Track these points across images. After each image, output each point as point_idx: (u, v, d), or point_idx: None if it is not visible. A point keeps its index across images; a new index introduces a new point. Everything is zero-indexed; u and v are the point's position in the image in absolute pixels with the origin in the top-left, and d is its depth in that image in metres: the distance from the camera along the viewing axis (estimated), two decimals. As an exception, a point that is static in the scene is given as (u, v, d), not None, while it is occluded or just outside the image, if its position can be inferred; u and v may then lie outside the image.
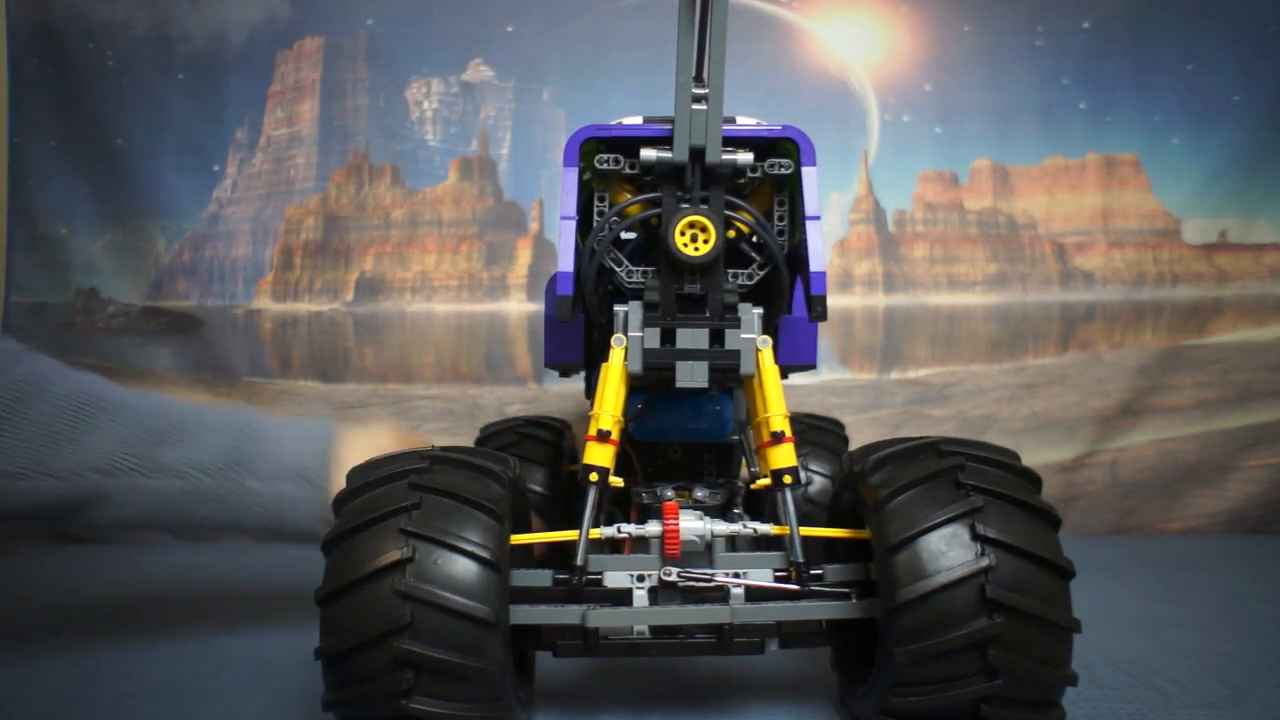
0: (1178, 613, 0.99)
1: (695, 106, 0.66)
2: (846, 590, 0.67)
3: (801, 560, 0.67)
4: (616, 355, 0.69)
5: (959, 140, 1.47)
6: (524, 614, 0.65)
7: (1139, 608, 1.01)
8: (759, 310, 0.71)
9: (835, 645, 0.72)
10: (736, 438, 0.83)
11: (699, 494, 0.78)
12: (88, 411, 0.77)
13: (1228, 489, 1.45)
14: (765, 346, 0.70)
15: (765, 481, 0.70)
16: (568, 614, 0.66)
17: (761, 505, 0.78)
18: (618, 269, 0.72)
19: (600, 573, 0.67)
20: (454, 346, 1.48)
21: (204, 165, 1.48)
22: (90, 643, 0.92)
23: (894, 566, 0.60)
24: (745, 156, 0.69)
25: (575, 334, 0.85)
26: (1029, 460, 0.67)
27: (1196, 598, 1.06)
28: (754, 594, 0.67)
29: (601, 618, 0.65)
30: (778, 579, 0.67)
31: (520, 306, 1.48)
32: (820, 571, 0.67)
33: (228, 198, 1.49)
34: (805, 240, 0.69)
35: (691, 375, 0.69)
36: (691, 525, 0.69)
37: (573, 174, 0.71)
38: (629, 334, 0.69)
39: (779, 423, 0.68)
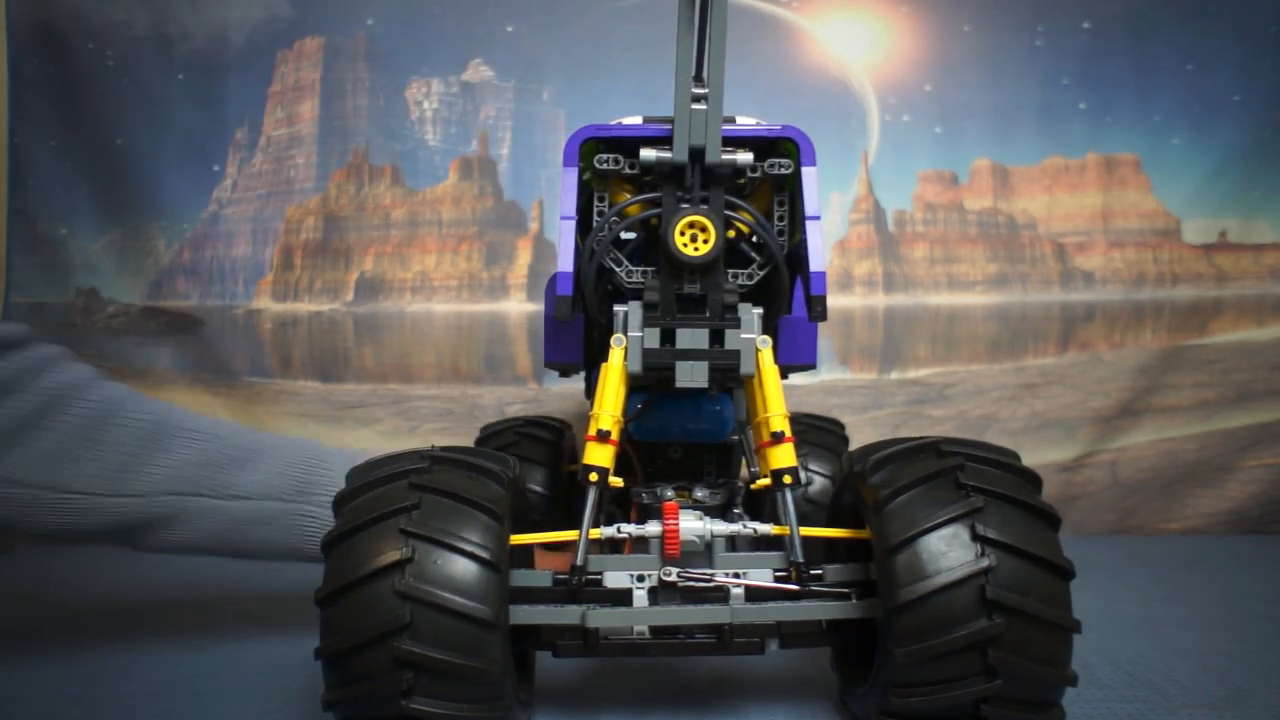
0: (1178, 613, 0.99)
1: (695, 106, 0.66)
2: (846, 590, 0.67)
3: (801, 560, 0.67)
4: (616, 355, 0.69)
5: (959, 140, 1.47)
6: (524, 614, 0.65)
7: (1139, 608, 1.01)
8: (759, 310, 0.71)
9: (835, 645, 0.72)
10: (736, 438, 0.83)
11: (699, 494, 0.78)
12: (165, 435, 0.81)
13: (1228, 489, 1.45)
14: (765, 346, 0.70)
15: (765, 481, 0.70)
16: (568, 614, 0.66)
17: (761, 505, 0.78)
18: (617, 269, 0.71)
19: (600, 573, 0.67)
20: (454, 346, 1.48)
21: (204, 165, 1.48)
22: (90, 643, 0.92)
23: (894, 567, 0.60)
24: (745, 156, 0.69)
25: (575, 334, 0.85)
26: (1029, 460, 0.67)
27: (1196, 598, 1.06)
28: (754, 594, 0.67)
29: (601, 618, 0.65)
30: (778, 579, 0.67)
31: (520, 306, 1.48)
32: (820, 571, 0.67)
33: (228, 198, 1.49)
34: (805, 240, 0.69)
35: (691, 375, 0.69)
36: (691, 525, 0.69)
37: (572, 174, 0.71)
38: (629, 334, 0.69)
39: (779, 423, 0.68)
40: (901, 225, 1.48)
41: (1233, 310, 1.46)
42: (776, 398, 0.69)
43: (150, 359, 1.49)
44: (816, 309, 0.69)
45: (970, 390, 1.47)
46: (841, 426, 1.07)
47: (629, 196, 0.72)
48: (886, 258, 1.47)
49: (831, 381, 1.48)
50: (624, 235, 0.73)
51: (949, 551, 0.60)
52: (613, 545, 0.71)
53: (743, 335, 0.69)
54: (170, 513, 0.80)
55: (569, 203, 0.70)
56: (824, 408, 1.42)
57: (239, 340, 1.49)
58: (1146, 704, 0.73)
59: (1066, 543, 0.62)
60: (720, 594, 0.67)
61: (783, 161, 0.71)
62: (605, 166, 0.71)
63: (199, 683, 0.80)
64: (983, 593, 0.58)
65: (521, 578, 0.67)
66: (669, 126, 0.68)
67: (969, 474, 0.62)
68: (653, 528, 0.68)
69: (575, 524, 0.68)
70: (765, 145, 0.72)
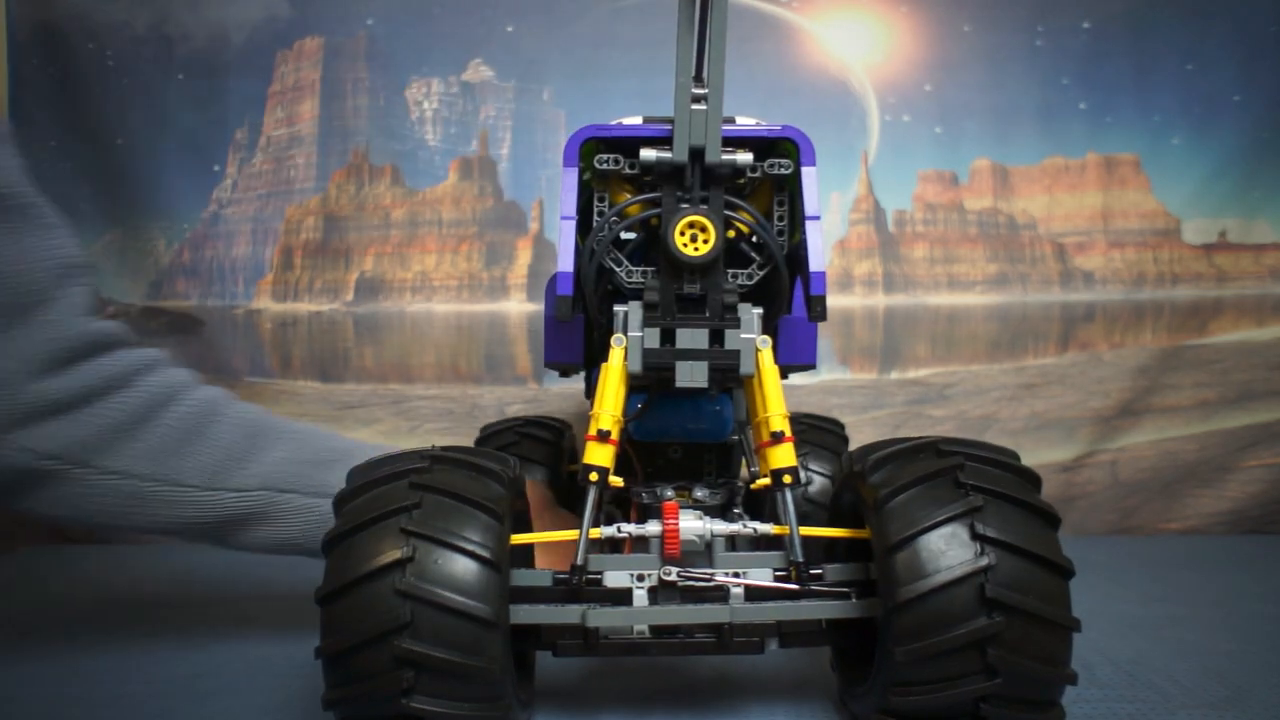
0: (1178, 613, 0.99)
1: (695, 106, 0.66)
2: (846, 590, 0.67)
3: (801, 560, 0.67)
4: (616, 355, 0.69)
5: (959, 140, 1.47)
6: (524, 613, 0.65)
7: (1139, 608, 1.01)
8: (759, 310, 0.71)
9: (835, 645, 0.72)
10: (736, 438, 0.83)
11: (699, 494, 0.78)
12: (263, 434, 0.83)
13: (1228, 489, 1.45)
14: (765, 346, 0.69)
15: (765, 481, 0.70)
16: (568, 614, 0.66)
17: (761, 505, 0.78)
18: (617, 269, 0.72)
19: (600, 572, 0.67)
20: (454, 346, 1.48)
21: (204, 165, 1.48)
22: (90, 643, 0.92)
23: (894, 566, 0.60)
24: (745, 156, 0.69)
25: (575, 334, 0.85)
26: (1029, 460, 0.67)
27: (1196, 598, 1.06)
28: (754, 594, 0.67)
29: (601, 617, 0.65)
30: (777, 579, 0.67)
31: (520, 306, 1.48)
32: (820, 571, 0.67)
33: (228, 198, 1.49)
34: (805, 240, 0.69)
35: (691, 375, 0.69)
36: (691, 525, 0.69)
37: (573, 174, 0.71)
38: (629, 334, 0.69)
39: (779, 422, 0.68)
40: (901, 225, 1.48)
41: (1233, 310, 1.46)
42: (776, 398, 0.69)
43: (150, 359, 1.49)
44: (816, 309, 0.69)
45: (970, 390, 1.47)
46: (841, 426, 1.07)
47: (629, 196, 0.72)
48: (886, 258, 1.47)
49: (831, 381, 1.48)
50: (624, 235, 0.73)
51: (948, 550, 0.60)
52: (613, 545, 0.71)
53: (742, 335, 0.69)
54: (267, 508, 0.82)
55: (569, 203, 0.70)
56: (824, 408, 1.42)
57: (239, 340, 1.49)
58: (1146, 704, 0.73)
59: (1066, 543, 0.62)
60: (720, 594, 0.67)
61: (782, 161, 0.71)
62: (605, 166, 0.71)
63: (199, 682, 0.80)
64: (982, 591, 0.58)
65: (522, 577, 0.67)
66: (669, 126, 0.68)
67: (969, 473, 0.62)
68: (652, 527, 0.68)
69: (575, 524, 0.68)
70: (765, 145, 0.72)
